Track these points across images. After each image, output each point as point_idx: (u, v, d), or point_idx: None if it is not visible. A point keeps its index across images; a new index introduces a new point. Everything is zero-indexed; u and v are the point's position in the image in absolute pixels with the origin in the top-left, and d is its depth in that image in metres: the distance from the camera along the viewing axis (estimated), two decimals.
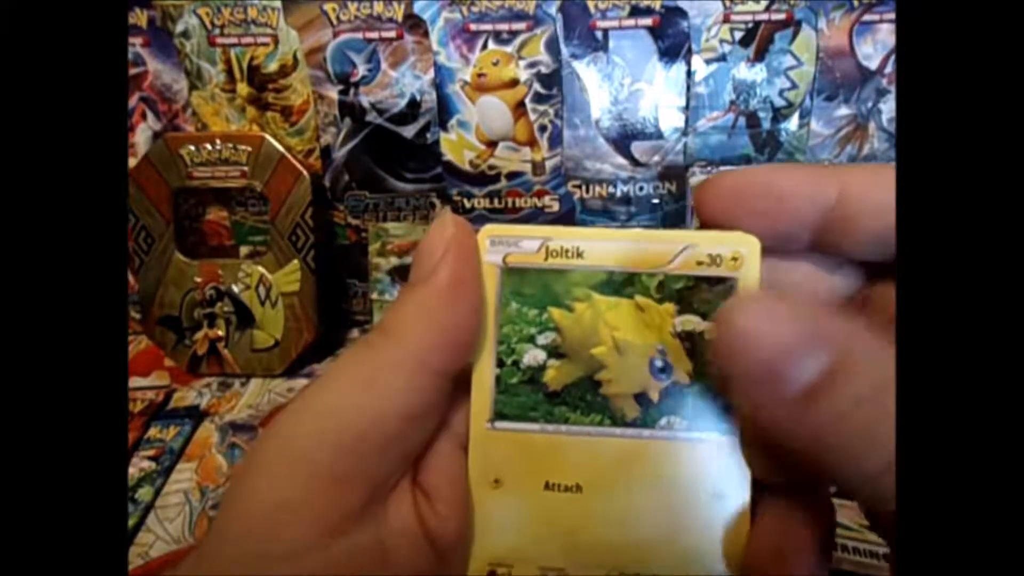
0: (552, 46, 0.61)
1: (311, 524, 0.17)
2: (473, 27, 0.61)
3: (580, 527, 0.20)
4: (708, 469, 0.20)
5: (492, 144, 0.64)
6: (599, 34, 0.61)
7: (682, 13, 0.61)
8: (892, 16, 0.61)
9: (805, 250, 0.20)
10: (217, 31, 0.62)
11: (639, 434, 0.20)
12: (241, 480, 0.18)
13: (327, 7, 0.61)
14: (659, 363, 0.20)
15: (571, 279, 0.20)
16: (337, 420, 0.18)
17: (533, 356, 0.20)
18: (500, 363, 0.20)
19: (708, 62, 0.62)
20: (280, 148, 0.61)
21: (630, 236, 0.20)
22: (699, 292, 0.20)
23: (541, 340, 0.20)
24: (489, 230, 0.20)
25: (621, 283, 0.20)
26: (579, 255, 0.20)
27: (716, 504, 0.20)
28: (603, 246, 0.20)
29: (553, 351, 0.20)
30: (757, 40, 0.61)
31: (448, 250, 0.19)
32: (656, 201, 0.66)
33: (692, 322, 0.20)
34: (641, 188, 0.65)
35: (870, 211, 0.19)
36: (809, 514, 0.19)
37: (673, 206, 0.65)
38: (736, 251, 0.20)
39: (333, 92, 0.63)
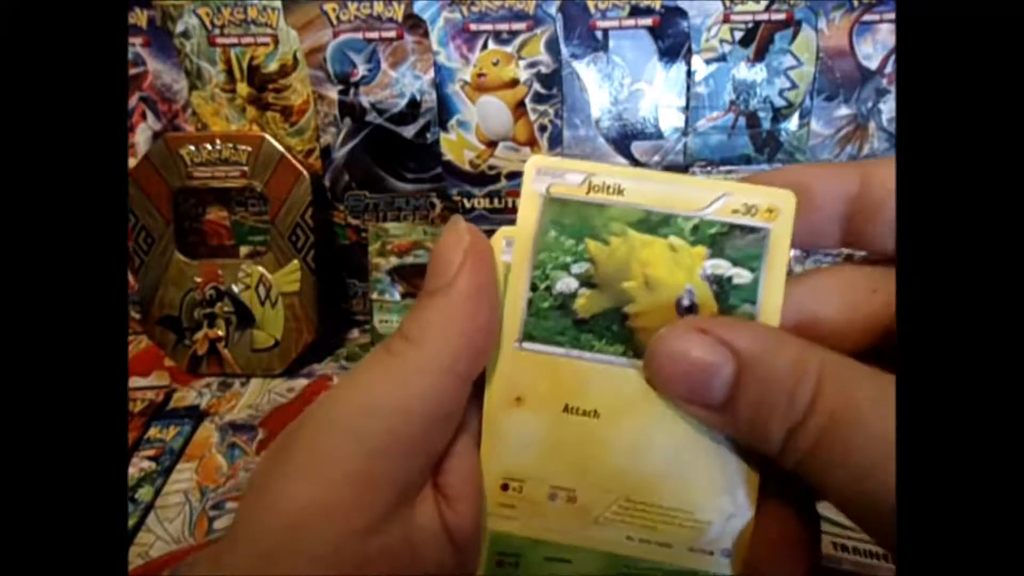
0: (552, 46, 0.61)
1: (344, 524, 0.18)
2: (473, 27, 0.61)
3: (593, 452, 0.21)
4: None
5: (492, 144, 0.64)
6: (599, 34, 0.61)
7: (682, 13, 0.61)
8: (892, 16, 0.61)
9: (837, 245, 0.21)
10: (217, 31, 0.62)
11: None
12: (271, 480, 0.18)
13: (327, 7, 0.61)
14: (686, 302, 0.21)
15: (610, 214, 0.21)
16: (367, 423, 0.18)
17: (566, 283, 0.21)
18: (534, 287, 0.21)
19: (708, 62, 0.62)
20: (280, 148, 0.61)
21: (671, 179, 0.21)
22: (732, 239, 0.20)
23: (575, 269, 0.21)
24: (537, 160, 0.21)
25: (657, 223, 0.21)
26: (619, 192, 0.21)
27: (724, 442, 0.20)
28: (644, 186, 0.21)
29: (585, 280, 0.21)
30: (757, 40, 0.61)
31: (466, 258, 0.20)
32: None
33: (722, 266, 0.21)
34: None
35: (890, 198, 0.19)
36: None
37: None
38: (772, 203, 0.20)
39: (333, 92, 0.63)
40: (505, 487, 0.21)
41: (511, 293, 0.21)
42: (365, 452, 0.18)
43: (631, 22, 0.61)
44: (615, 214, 0.21)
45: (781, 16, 0.61)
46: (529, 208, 0.21)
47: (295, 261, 0.62)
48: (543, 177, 0.21)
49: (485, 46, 0.62)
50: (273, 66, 0.62)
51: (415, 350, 0.19)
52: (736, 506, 0.20)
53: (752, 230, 0.20)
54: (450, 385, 0.19)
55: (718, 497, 0.20)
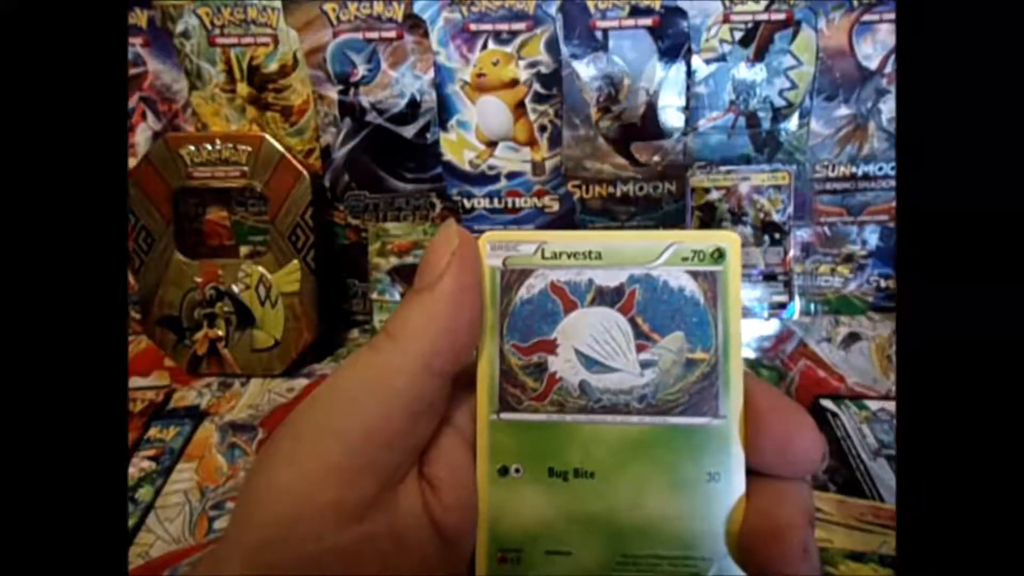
0: (552, 46, 0.61)
1: (328, 513, 0.18)
2: (473, 27, 0.61)
3: (584, 511, 0.21)
4: (703, 452, 0.21)
5: (492, 144, 0.64)
6: (599, 34, 0.61)
7: (682, 13, 0.61)
8: (892, 16, 0.61)
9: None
10: (217, 31, 0.62)
11: (639, 421, 0.21)
12: (261, 471, 0.19)
13: (327, 7, 0.61)
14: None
15: (567, 277, 0.22)
16: (347, 418, 0.19)
17: (535, 348, 0.22)
18: (503, 357, 0.22)
19: (708, 62, 0.62)
20: (280, 148, 0.61)
21: (619, 237, 0.22)
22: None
23: (541, 334, 0.22)
24: (488, 236, 0.22)
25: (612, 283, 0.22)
26: (572, 256, 0.22)
27: (713, 485, 0.21)
28: (594, 246, 0.22)
29: (555, 345, 0.22)
30: (757, 40, 0.61)
31: (452, 260, 0.20)
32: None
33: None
34: (641, 188, 0.65)
35: None
36: (800, 491, 0.20)
37: (673, 206, 0.65)
38: (718, 247, 0.21)
39: (333, 92, 0.63)
40: (503, 559, 0.21)
41: (482, 365, 0.22)
42: (345, 445, 0.19)
43: (631, 22, 0.61)
44: (573, 276, 0.22)
45: (781, 16, 0.61)
46: (489, 283, 0.22)
47: (295, 261, 0.62)
48: (498, 252, 0.22)
49: (485, 46, 0.62)
50: (273, 66, 0.62)
51: (396, 347, 0.20)
52: (731, 543, 0.21)
53: (704, 275, 0.21)
54: (429, 382, 0.20)
55: (714, 541, 0.21)
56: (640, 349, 0.21)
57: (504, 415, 0.22)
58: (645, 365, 0.21)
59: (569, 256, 0.22)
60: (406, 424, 0.20)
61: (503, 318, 0.22)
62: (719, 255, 0.21)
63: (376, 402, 0.19)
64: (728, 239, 0.21)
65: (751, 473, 0.21)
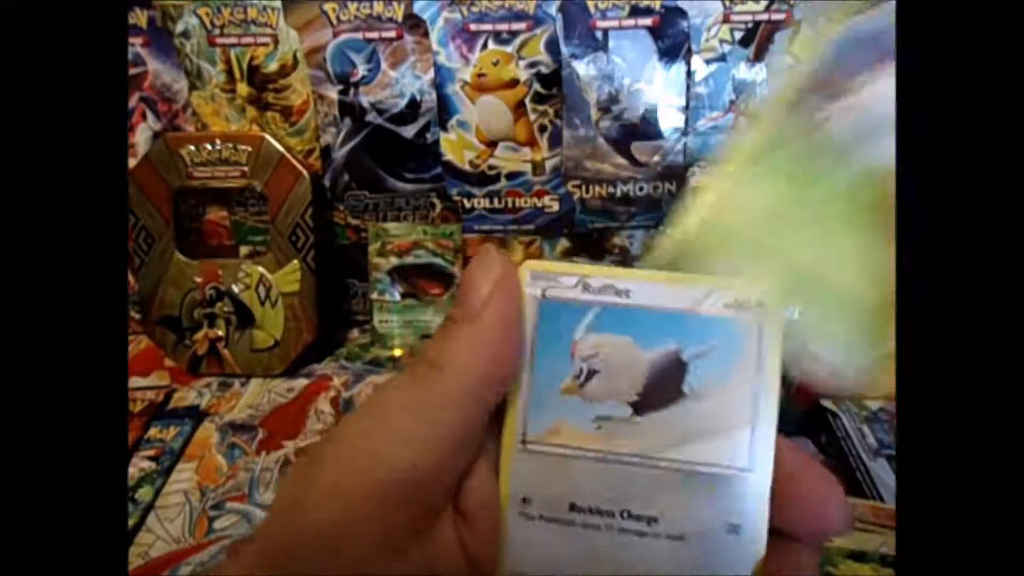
0: (552, 46, 0.61)
1: (367, 543, 0.18)
2: (473, 27, 0.61)
3: (601, 549, 0.21)
4: (727, 502, 0.20)
5: (492, 144, 0.64)
6: (599, 34, 0.61)
7: (682, 13, 0.61)
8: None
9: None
10: (217, 31, 0.62)
11: (667, 465, 0.21)
12: (296, 499, 0.19)
13: (327, 7, 0.61)
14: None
15: (605, 314, 0.22)
16: (391, 451, 0.19)
17: (567, 382, 0.21)
18: (534, 388, 0.21)
19: (708, 62, 0.62)
20: (280, 148, 0.61)
21: (661, 278, 0.22)
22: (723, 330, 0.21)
23: (574, 368, 0.21)
24: (529, 265, 0.22)
25: (654, 323, 0.21)
26: (614, 293, 0.22)
27: (733, 537, 0.20)
28: (636, 286, 0.22)
29: (587, 378, 0.21)
30: (757, 40, 0.61)
31: (496, 289, 0.20)
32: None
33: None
34: (641, 188, 0.65)
35: None
36: (817, 555, 0.20)
37: (673, 206, 0.65)
38: (761, 297, 0.21)
39: (333, 92, 0.63)
40: None
41: (513, 395, 0.21)
42: (390, 477, 0.18)
43: (631, 22, 0.61)
44: (611, 314, 0.22)
45: (781, 16, 0.61)
46: (526, 312, 0.21)
47: (295, 261, 0.62)
48: (538, 282, 0.22)
49: (485, 46, 0.62)
50: (273, 66, 0.62)
51: (443, 378, 0.19)
52: None
53: (745, 323, 0.21)
54: (474, 411, 0.19)
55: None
56: (674, 393, 0.21)
57: (531, 446, 0.21)
58: (678, 410, 0.21)
59: (610, 292, 0.21)
60: (451, 458, 0.19)
61: (536, 349, 0.21)
62: (760, 304, 0.21)
63: (423, 434, 0.19)
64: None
65: (772, 532, 0.20)
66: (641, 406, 0.21)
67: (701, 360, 0.21)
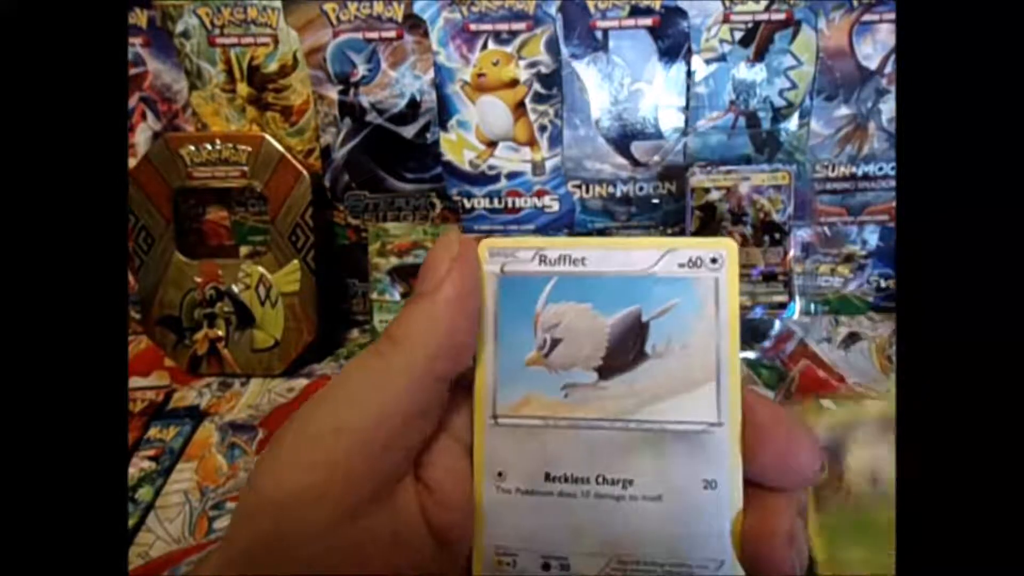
0: (552, 46, 0.61)
1: (331, 508, 0.19)
2: (473, 27, 0.61)
3: (580, 517, 0.21)
4: (700, 459, 0.21)
5: (492, 144, 0.64)
6: (599, 34, 0.61)
7: (682, 13, 0.61)
8: (892, 16, 0.61)
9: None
10: (217, 31, 0.62)
11: (636, 426, 0.21)
12: (265, 469, 0.20)
13: (327, 7, 0.61)
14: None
15: (564, 283, 0.22)
16: (349, 417, 0.20)
17: (532, 354, 0.22)
18: (500, 362, 0.22)
19: (708, 62, 0.62)
20: (280, 148, 0.61)
21: (616, 244, 0.22)
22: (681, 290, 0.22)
23: (538, 340, 0.22)
24: (487, 243, 0.22)
25: (612, 287, 0.22)
26: (570, 262, 0.22)
27: (709, 492, 0.21)
28: (591, 254, 0.22)
29: (551, 348, 0.22)
30: (757, 40, 0.61)
31: (452, 266, 0.21)
32: (656, 201, 0.66)
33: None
34: (641, 188, 0.65)
35: None
36: (795, 498, 0.20)
37: (673, 206, 0.65)
38: (716, 253, 0.21)
39: (333, 92, 0.63)
40: (500, 563, 0.22)
41: (480, 371, 0.22)
42: (347, 444, 0.19)
43: (631, 22, 0.61)
44: (569, 283, 0.22)
45: (781, 16, 0.61)
46: (487, 288, 0.22)
47: (295, 261, 0.62)
48: (496, 258, 0.22)
49: (485, 46, 0.62)
50: (273, 66, 0.62)
51: (398, 350, 0.20)
52: (726, 550, 0.21)
53: (700, 281, 0.21)
54: (429, 385, 0.20)
55: (710, 545, 0.21)
56: (637, 355, 0.21)
57: (501, 420, 0.22)
58: (643, 371, 0.21)
59: (567, 262, 0.22)
60: (406, 425, 0.20)
61: (499, 324, 0.22)
62: (716, 262, 0.21)
63: (378, 403, 0.20)
64: (725, 246, 0.21)
65: (747, 484, 0.21)
66: (606, 370, 0.21)
67: (661, 320, 0.21)
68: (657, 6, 0.60)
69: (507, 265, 0.22)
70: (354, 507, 0.19)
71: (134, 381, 0.63)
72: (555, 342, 0.22)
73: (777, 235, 0.63)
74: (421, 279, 0.21)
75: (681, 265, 0.21)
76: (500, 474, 0.22)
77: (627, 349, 0.21)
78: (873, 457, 0.46)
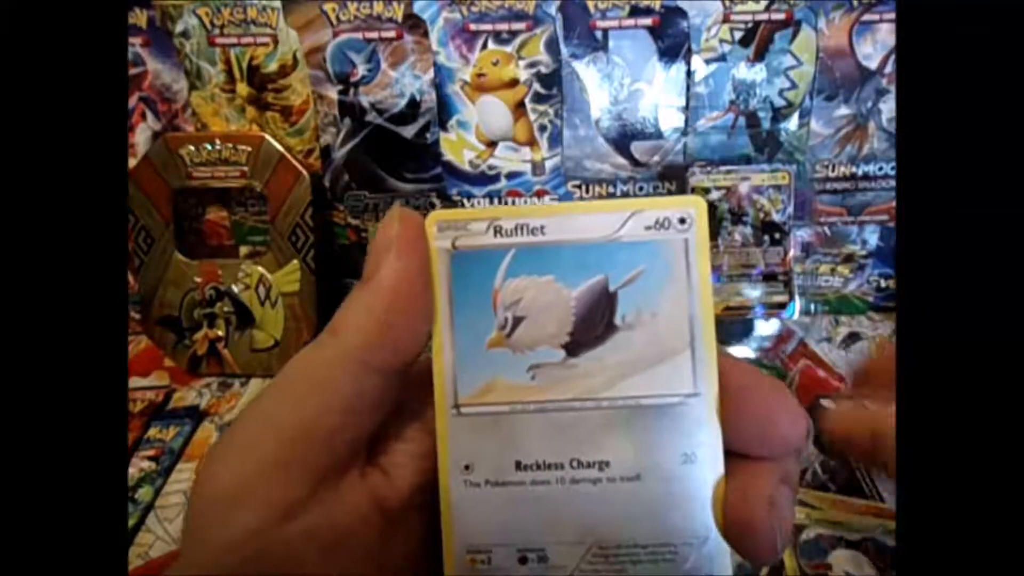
0: (552, 46, 0.61)
1: (261, 509, 0.18)
2: (473, 27, 0.61)
3: (555, 505, 0.20)
4: (677, 432, 0.20)
5: (492, 144, 0.64)
6: (599, 34, 0.61)
7: (682, 13, 0.61)
8: (892, 16, 0.61)
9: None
10: (217, 31, 0.62)
11: (608, 404, 0.20)
12: (201, 472, 0.19)
13: (327, 7, 0.61)
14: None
15: (522, 255, 0.20)
16: (283, 413, 0.19)
17: (493, 335, 0.20)
18: (458, 347, 0.20)
19: (708, 62, 0.62)
20: (280, 148, 0.61)
21: (576, 208, 0.20)
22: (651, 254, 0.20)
23: (498, 319, 0.20)
24: (436, 215, 0.20)
25: (573, 255, 0.20)
26: (528, 232, 0.20)
27: (688, 467, 0.20)
28: (551, 221, 0.20)
29: (513, 327, 0.20)
30: (757, 40, 0.61)
31: (391, 246, 0.19)
32: None
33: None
34: (641, 188, 0.65)
35: None
36: (783, 465, 0.19)
37: None
38: (684, 213, 0.20)
39: (333, 92, 0.63)
40: (472, 561, 0.20)
41: (437, 357, 0.20)
42: (279, 440, 0.18)
43: (631, 22, 0.61)
44: (528, 254, 0.20)
45: (781, 16, 0.61)
46: (438, 267, 0.20)
47: (295, 261, 0.62)
48: (447, 232, 0.20)
49: (485, 46, 0.62)
50: (273, 66, 0.62)
51: (335, 342, 0.19)
52: (709, 525, 0.20)
53: (668, 244, 0.20)
54: (367, 378, 0.19)
55: (692, 520, 0.20)
56: (606, 328, 0.20)
57: (464, 409, 0.20)
58: (613, 344, 0.20)
59: (524, 232, 0.20)
60: (345, 420, 0.19)
61: (455, 305, 0.20)
62: (684, 222, 0.20)
63: (314, 398, 0.19)
64: (693, 203, 0.20)
65: (730, 454, 0.19)
66: (574, 347, 0.20)
67: (629, 288, 0.20)
68: (657, 6, 0.60)
69: (459, 239, 0.20)
70: (288, 507, 0.18)
71: (134, 381, 0.63)
72: (517, 320, 0.20)
73: (777, 235, 0.63)
74: (365, 263, 0.20)
75: (647, 228, 0.20)
76: (467, 467, 0.20)
77: (595, 322, 0.20)
78: None
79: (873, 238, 0.65)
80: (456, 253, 0.20)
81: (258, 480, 0.18)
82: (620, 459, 0.20)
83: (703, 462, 0.19)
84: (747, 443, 0.19)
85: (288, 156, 0.61)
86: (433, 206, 0.66)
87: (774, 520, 0.18)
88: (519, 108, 0.63)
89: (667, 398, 0.20)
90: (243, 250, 0.67)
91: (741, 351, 0.62)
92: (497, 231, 0.20)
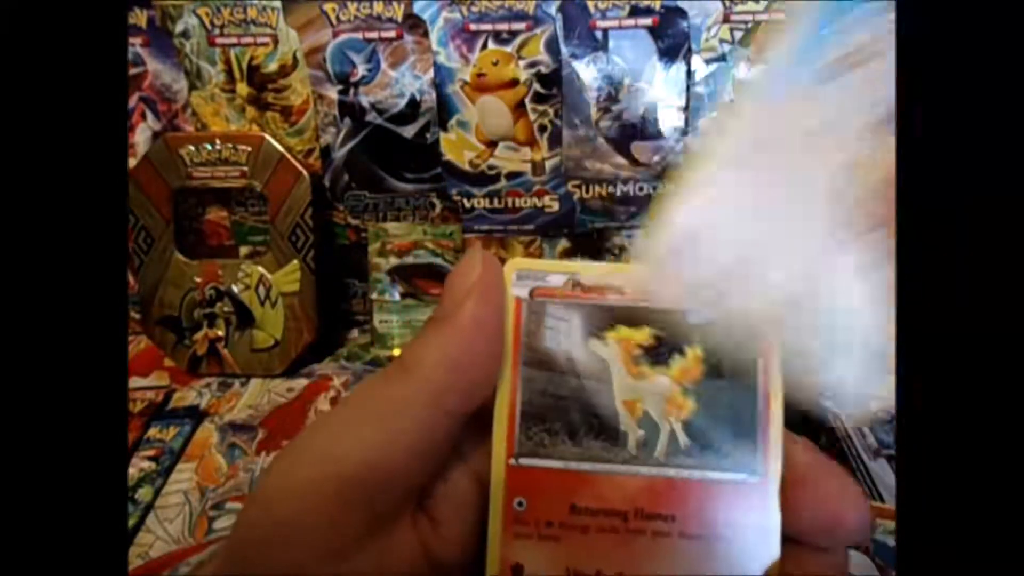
0: (552, 46, 0.61)
1: (314, 546, 0.17)
2: (473, 27, 0.61)
3: (606, 572, 0.20)
4: (734, 510, 0.19)
5: (492, 144, 0.64)
6: (599, 34, 0.61)
7: (682, 13, 0.61)
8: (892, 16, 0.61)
9: None
10: (217, 31, 0.62)
11: (675, 473, 0.20)
12: (255, 497, 0.19)
13: (327, 7, 0.61)
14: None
15: (597, 313, 0.20)
16: (345, 450, 0.18)
17: (558, 388, 0.20)
18: (525, 397, 0.20)
19: (708, 62, 0.62)
20: (280, 148, 0.61)
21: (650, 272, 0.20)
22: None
23: (569, 370, 0.20)
24: (515, 263, 0.20)
25: (644, 318, 0.20)
26: (607, 290, 0.20)
27: (741, 546, 0.19)
28: (630, 281, 0.20)
29: (580, 386, 0.20)
30: (757, 40, 0.61)
31: (473, 290, 0.19)
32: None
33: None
34: (641, 188, 0.65)
35: None
36: (840, 558, 0.19)
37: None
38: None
39: (333, 92, 0.63)
40: None
41: (501, 405, 0.20)
42: (341, 478, 0.18)
43: (631, 22, 0.61)
44: (602, 313, 0.20)
45: (781, 16, 0.61)
46: (513, 315, 0.20)
47: (295, 261, 0.62)
48: (524, 281, 0.20)
49: (485, 46, 0.62)
50: (273, 66, 0.62)
51: (407, 380, 0.19)
52: None
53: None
54: (436, 420, 0.19)
55: None
56: (675, 396, 0.20)
57: (522, 460, 0.20)
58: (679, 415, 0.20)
59: (602, 290, 0.20)
60: (409, 463, 0.18)
61: (526, 354, 0.20)
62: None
63: (380, 437, 0.18)
64: None
65: (787, 539, 0.19)
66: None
67: (700, 360, 0.20)
68: (657, 6, 0.60)
69: (537, 290, 0.20)
70: (342, 547, 0.18)
71: (134, 381, 0.63)
72: (586, 379, 0.20)
73: None
74: (441, 302, 0.19)
75: None
76: (519, 510, 0.20)
77: (663, 390, 0.20)
78: None
79: None
80: (532, 303, 0.20)
81: (315, 517, 0.18)
82: (682, 519, 0.19)
83: (760, 543, 0.19)
84: (809, 532, 0.19)
85: (288, 156, 0.61)
86: (433, 206, 0.66)
87: None
88: (519, 108, 0.63)
89: (730, 474, 0.20)
90: (243, 250, 0.67)
91: None
92: (575, 285, 0.20)
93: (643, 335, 0.20)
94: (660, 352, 0.20)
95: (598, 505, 0.20)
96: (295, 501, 0.18)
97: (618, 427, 0.20)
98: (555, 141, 0.64)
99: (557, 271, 0.20)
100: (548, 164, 0.65)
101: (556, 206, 0.66)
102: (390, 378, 0.19)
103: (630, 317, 0.20)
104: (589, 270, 0.20)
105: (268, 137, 0.61)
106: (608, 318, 0.20)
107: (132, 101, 0.64)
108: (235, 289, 0.62)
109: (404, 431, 0.18)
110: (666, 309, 0.20)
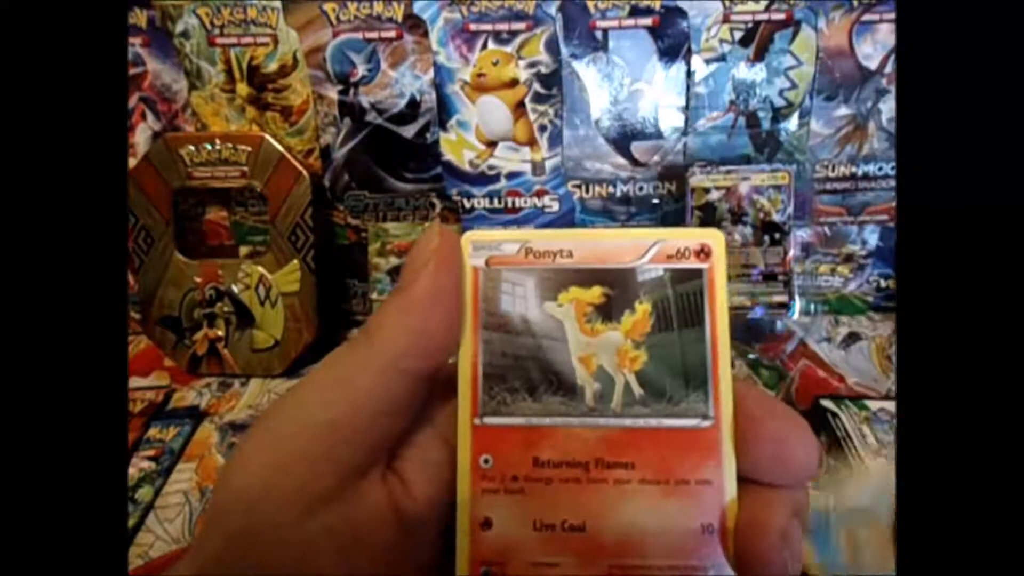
0: (552, 46, 0.61)
1: (284, 502, 0.19)
2: (473, 27, 0.61)
3: (570, 520, 0.21)
4: (692, 455, 0.20)
5: (492, 144, 0.64)
6: (599, 34, 0.61)
7: (682, 13, 0.61)
8: (892, 16, 0.61)
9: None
10: (217, 31, 0.62)
11: (631, 423, 0.21)
12: (229, 463, 0.20)
13: (327, 7, 0.61)
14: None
15: (549, 276, 0.22)
16: (312, 411, 0.20)
17: (517, 349, 0.21)
18: (485, 359, 0.21)
19: (708, 62, 0.62)
20: (280, 148, 0.61)
21: (603, 236, 0.22)
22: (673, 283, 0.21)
23: (527, 333, 0.21)
24: (471, 236, 0.22)
25: (597, 278, 0.22)
26: (557, 255, 0.22)
27: (703, 489, 0.20)
28: (579, 245, 0.22)
29: (537, 345, 0.21)
30: (757, 40, 0.61)
31: (431, 260, 0.20)
32: (656, 201, 0.66)
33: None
34: (641, 188, 0.65)
35: None
36: (794, 495, 0.20)
37: (673, 206, 0.65)
38: (703, 244, 0.21)
39: (333, 92, 0.63)
40: (486, 573, 0.21)
41: (464, 368, 0.21)
42: (307, 435, 0.19)
43: (631, 22, 0.61)
44: (557, 276, 0.22)
45: (781, 16, 0.61)
46: (471, 283, 0.21)
47: (295, 261, 0.62)
48: (480, 252, 0.22)
49: (485, 46, 0.62)
50: (273, 66, 0.62)
51: (368, 345, 0.20)
52: (718, 553, 0.20)
53: (689, 272, 0.21)
54: (398, 381, 0.20)
55: (704, 543, 0.20)
56: (627, 350, 0.21)
57: (486, 419, 0.21)
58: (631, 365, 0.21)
59: (553, 255, 0.22)
60: (372, 421, 0.20)
61: (485, 319, 0.21)
62: (704, 253, 0.21)
63: (343, 398, 0.19)
64: (713, 236, 0.21)
65: (743, 480, 0.20)
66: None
67: (650, 313, 0.21)
68: (657, 6, 0.60)
69: (492, 259, 0.22)
70: (312, 502, 0.19)
71: (134, 381, 0.63)
72: (542, 338, 0.21)
73: (777, 235, 0.63)
74: (402, 273, 0.21)
75: (669, 257, 0.21)
76: (485, 477, 0.21)
77: (617, 343, 0.21)
78: None
79: (873, 238, 0.65)
80: (488, 271, 0.22)
81: (283, 473, 0.19)
82: (645, 462, 0.20)
83: (717, 487, 0.20)
84: (760, 470, 0.20)
85: (288, 156, 0.61)
86: (433, 206, 0.66)
87: (786, 554, 0.19)
88: (519, 108, 0.63)
89: (683, 421, 0.21)
90: (243, 250, 0.67)
91: (741, 351, 0.62)
92: (528, 252, 0.22)
93: (594, 294, 0.22)
94: (610, 309, 0.21)
95: (560, 457, 0.21)
96: (264, 460, 0.19)
97: (575, 382, 0.21)
98: (555, 141, 0.64)
99: (510, 240, 0.22)
100: (548, 164, 0.65)
101: (556, 206, 0.66)
102: (354, 345, 0.20)
103: (581, 278, 0.22)
104: (540, 237, 0.22)
105: (268, 137, 0.61)
106: (560, 280, 0.22)
107: (132, 101, 0.64)
108: (235, 289, 0.62)
109: (366, 392, 0.20)
110: (615, 268, 0.21)
